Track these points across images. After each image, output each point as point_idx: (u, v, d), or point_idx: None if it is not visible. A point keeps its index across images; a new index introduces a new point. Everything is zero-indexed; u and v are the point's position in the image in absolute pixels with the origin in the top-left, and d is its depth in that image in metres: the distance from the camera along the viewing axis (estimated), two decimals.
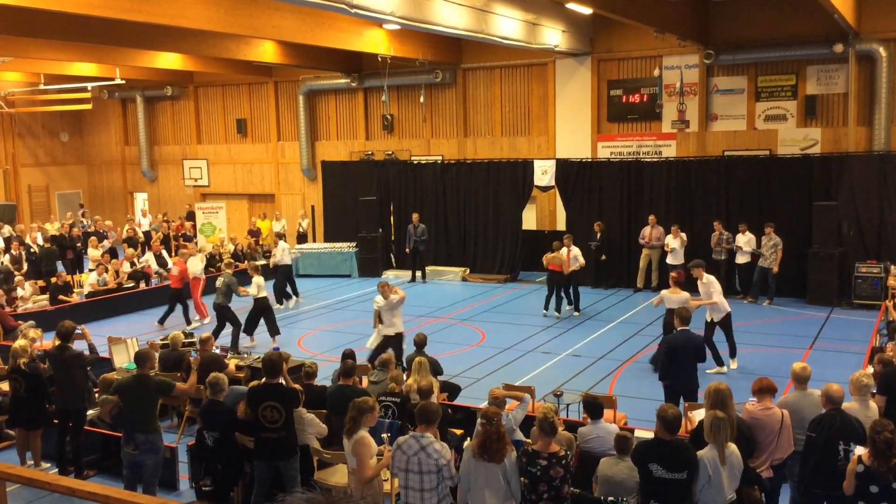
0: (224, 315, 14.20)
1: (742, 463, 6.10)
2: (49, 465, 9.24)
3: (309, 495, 1.45)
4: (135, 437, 7.70)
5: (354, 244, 21.65)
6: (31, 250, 20.01)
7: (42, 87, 26.24)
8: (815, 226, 16.62)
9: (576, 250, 15.91)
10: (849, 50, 18.11)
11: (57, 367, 9.06)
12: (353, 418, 6.67)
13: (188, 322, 15.94)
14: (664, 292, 11.86)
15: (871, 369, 8.54)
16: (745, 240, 16.75)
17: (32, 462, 9.23)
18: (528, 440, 7.07)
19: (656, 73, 20.35)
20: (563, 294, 16.08)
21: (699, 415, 7.46)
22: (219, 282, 14.41)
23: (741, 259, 16.93)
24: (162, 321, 15.96)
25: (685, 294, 11.52)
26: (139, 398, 7.74)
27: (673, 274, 12.41)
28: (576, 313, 16.18)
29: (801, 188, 17.28)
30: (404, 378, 9.03)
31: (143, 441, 7.71)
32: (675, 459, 5.92)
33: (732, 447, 6.05)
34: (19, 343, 9.48)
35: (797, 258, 16.85)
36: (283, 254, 17.50)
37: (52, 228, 22.24)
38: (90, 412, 9.40)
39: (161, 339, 12.05)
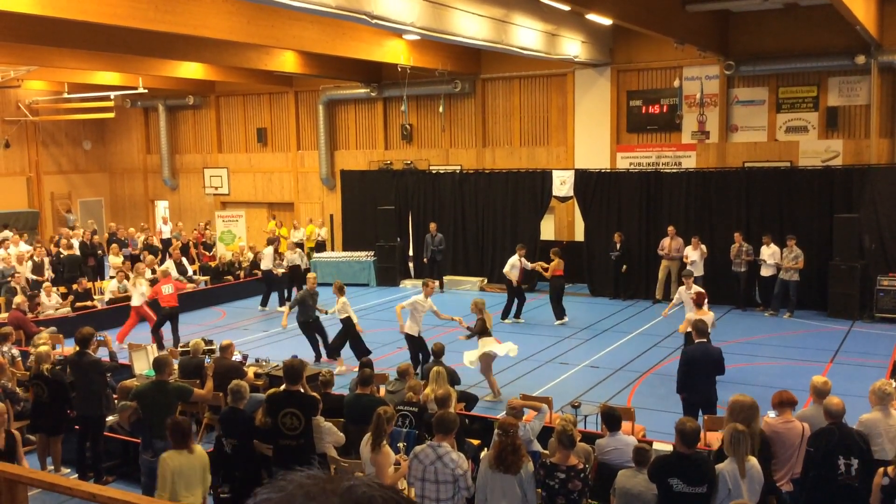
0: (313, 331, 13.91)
1: (762, 476, 6.05)
2: (68, 470, 9.31)
3: (310, 472, 1.41)
4: (153, 444, 7.74)
5: (372, 253, 21.72)
6: (59, 257, 20.21)
7: (66, 95, 26.62)
8: (837, 238, 16.46)
9: (512, 260, 16.67)
10: (871, 61, 17.96)
11: (76, 373, 9.13)
12: (378, 428, 6.66)
13: (176, 341, 14.18)
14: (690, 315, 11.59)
15: (893, 382, 8.44)
16: (769, 252, 16.56)
17: (52, 467, 9.31)
18: (546, 451, 7.05)
19: (676, 83, 20.29)
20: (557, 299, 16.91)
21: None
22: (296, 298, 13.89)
23: (766, 272, 16.72)
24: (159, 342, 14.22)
25: (711, 315, 11.38)
26: (158, 404, 7.80)
27: (693, 296, 11.90)
28: (519, 320, 16.85)
29: (822, 200, 17.11)
30: (422, 387, 9.04)
31: (162, 447, 7.72)
32: (696, 473, 5.88)
33: (753, 461, 6.00)
34: (44, 348, 9.55)
35: (818, 271, 16.68)
36: (268, 260, 18.54)
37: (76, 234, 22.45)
38: (109, 418, 9.47)
39: (181, 346, 12.11)
